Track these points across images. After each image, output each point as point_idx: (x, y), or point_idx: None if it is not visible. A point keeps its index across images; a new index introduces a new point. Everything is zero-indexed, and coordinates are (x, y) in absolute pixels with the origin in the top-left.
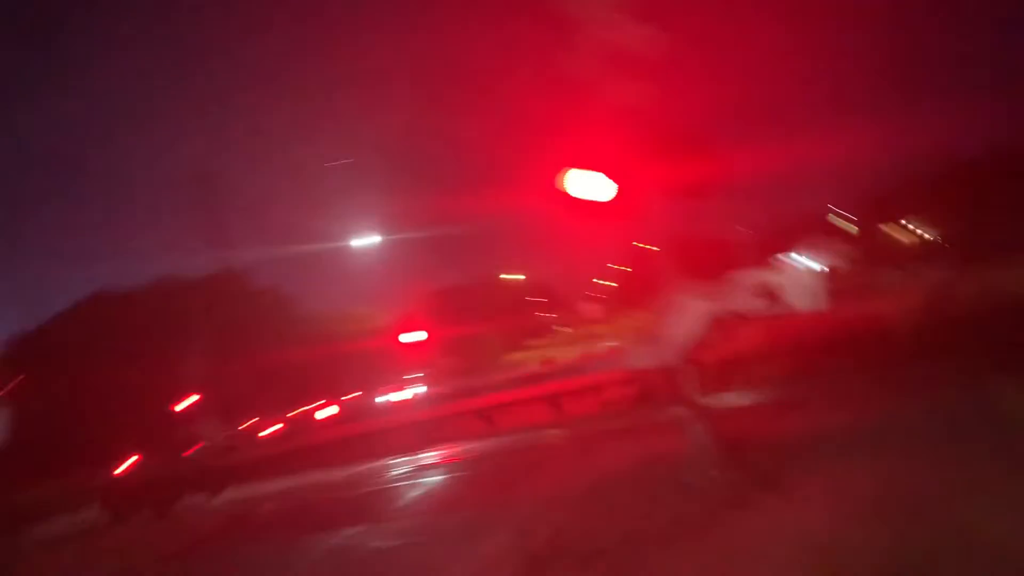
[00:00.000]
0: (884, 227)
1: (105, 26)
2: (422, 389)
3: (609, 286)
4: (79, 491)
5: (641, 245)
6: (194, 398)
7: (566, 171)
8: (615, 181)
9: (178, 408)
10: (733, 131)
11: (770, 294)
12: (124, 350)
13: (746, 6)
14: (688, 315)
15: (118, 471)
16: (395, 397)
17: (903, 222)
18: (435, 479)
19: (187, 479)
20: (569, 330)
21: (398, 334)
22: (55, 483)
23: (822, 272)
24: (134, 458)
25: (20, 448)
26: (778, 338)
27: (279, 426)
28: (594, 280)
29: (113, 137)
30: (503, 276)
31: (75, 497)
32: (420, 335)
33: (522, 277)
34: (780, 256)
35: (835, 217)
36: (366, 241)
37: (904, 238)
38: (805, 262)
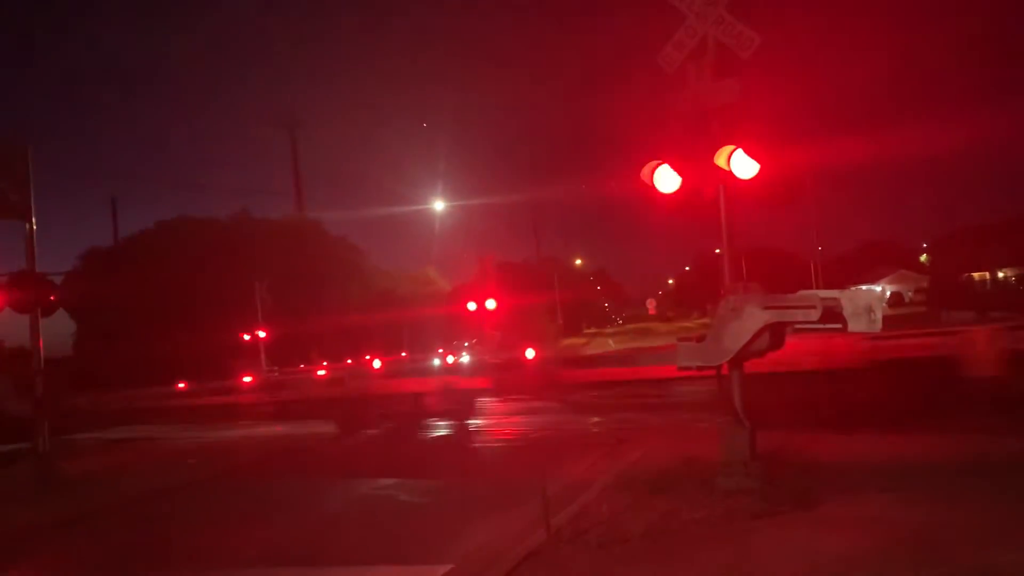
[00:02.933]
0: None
1: None
2: (468, 358)
3: (676, 285)
4: (127, 407)
5: (717, 251)
6: (259, 333)
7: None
8: (758, 160)
9: (239, 339)
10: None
11: (832, 313)
12: (197, 275)
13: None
14: (744, 321)
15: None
16: (446, 362)
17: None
18: (473, 446)
19: (234, 408)
20: (628, 324)
21: (466, 301)
22: (105, 396)
23: (887, 297)
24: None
25: (82, 359)
26: (832, 358)
27: (329, 372)
28: (669, 280)
29: (216, 76)
30: (577, 261)
31: (123, 412)
32: (489, 304)
33: (592, 264)
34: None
35: (928, 256)
36: (441, 205)
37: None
38: (875, 287)
